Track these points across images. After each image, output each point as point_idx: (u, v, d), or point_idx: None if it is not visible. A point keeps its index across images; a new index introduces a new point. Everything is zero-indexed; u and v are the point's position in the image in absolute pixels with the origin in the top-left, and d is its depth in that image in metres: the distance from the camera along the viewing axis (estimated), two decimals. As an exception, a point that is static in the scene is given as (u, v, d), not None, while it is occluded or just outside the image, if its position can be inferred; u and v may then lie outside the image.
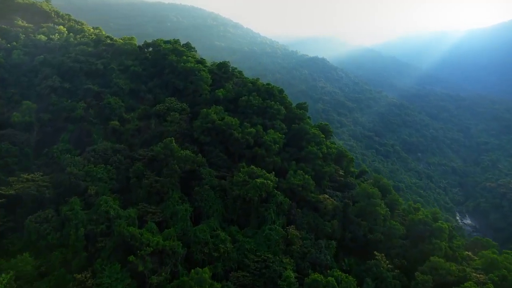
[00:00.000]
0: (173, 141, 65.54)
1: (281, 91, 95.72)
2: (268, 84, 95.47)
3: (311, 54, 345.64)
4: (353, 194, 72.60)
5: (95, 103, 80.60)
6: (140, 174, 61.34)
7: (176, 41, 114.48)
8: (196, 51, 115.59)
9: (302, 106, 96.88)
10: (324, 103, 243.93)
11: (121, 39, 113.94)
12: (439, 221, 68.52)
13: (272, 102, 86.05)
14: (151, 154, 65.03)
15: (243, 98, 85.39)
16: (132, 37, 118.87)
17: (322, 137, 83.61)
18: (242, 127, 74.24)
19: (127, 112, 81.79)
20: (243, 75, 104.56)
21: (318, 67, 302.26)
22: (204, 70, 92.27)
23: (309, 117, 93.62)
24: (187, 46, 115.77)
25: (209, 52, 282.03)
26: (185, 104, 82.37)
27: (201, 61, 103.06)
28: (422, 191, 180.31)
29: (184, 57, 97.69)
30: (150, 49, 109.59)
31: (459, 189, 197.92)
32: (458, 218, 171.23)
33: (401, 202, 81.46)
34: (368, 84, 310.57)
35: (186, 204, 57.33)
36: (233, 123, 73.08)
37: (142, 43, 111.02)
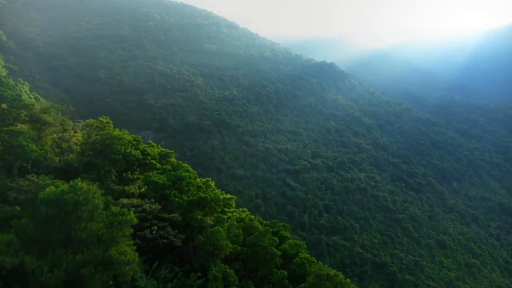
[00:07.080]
0: None
1: None
2: None
3: (317, 58, 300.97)
4: None
5: None
6: None
7: None
8: None
9: None
10: (336, 120, 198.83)
11: None
12: None
13: None
14: None
15: None
16: None
17: None
18: None
19: None
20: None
21: (326, 74, 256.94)
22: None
23: None
24: None
25: (197, 57, 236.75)
26: None
27: None
28: (473, 245, 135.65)
29: None
30: None
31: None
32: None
33: None
34: (386, 94, 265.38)
35: None
36: None
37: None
